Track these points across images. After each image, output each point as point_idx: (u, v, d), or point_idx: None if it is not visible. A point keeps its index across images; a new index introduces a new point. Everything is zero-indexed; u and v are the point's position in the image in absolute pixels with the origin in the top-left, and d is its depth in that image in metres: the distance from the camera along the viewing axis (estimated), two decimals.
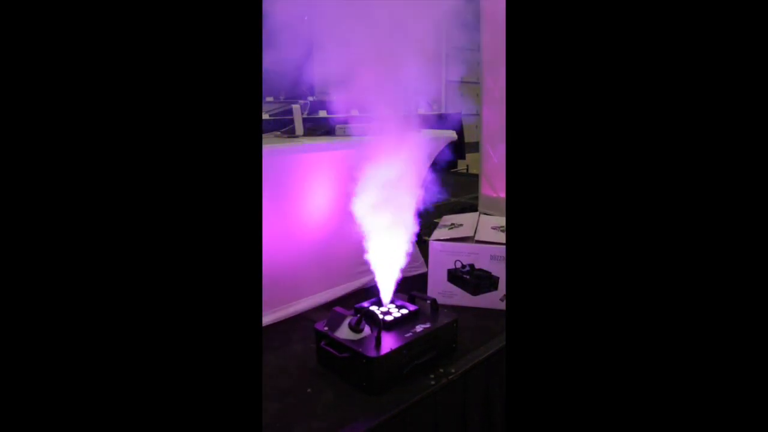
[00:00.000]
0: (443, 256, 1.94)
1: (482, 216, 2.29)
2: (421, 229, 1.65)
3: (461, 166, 5.10)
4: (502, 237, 1.94)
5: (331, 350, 1.41)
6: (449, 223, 2.16)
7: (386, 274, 1.61)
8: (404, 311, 1.55)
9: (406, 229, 1.62)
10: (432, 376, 1.42)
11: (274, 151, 1.67)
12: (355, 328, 1.41)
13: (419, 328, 1.47)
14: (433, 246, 1.95)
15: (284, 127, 1.97)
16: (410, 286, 1.77)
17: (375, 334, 1.39)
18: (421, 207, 1.67)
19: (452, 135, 2.22)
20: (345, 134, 1.87)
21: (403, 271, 1.64)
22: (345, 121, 1.91)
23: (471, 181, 3.75)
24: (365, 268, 1.65)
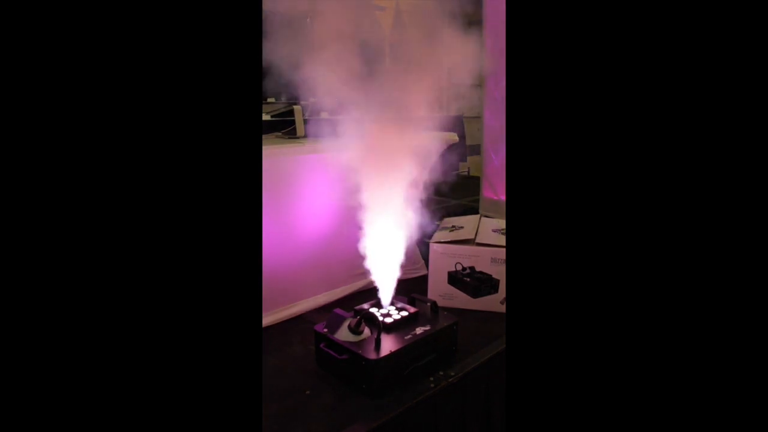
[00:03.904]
0: (444, 258, 1.94)
1: (483, 218, 2.29)
2: (420, 231, 1.65)
3: (462, 168, 5.10)
4: (502, 240, 1.93)
5: (331, 352, 1.41)
6: (450, 225, 2.16)
7: (386, 276, 1.61)
8: (404, 313, 1.54)
9: (406, 230, 1.61)
10: (431, 378, 1.42)
11: (275, 152, 1.67)
12: (355, 330, 1.40)
13: (419, 330, 1.46)
14: (434, 248, 1.95)
15: (285, 128, 1.97)
16: (410, 288, 1.76)
17: (375, 336, 1.39)
18: (421, 209, 1.67)
19: (454, 137, 2.22)
20: (346, 136, 1.87)
21: (403, 273, 1.64)
22: (346, 123, 1.91)
23: (472, 184, 3.75)
24: (365, 270, 1.65)
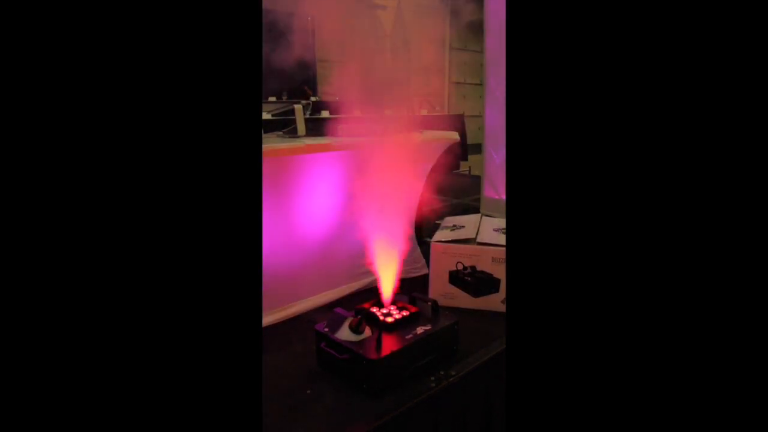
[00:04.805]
0: (445, 257, 1.93)
1: (484, 218, 2.28)
2: (422, 230, 1.65)
3: (463, 167, 5.10)
4: (504, 239, 1.93)
5: (332, 351, 1.40)
6: (451, 225, 2.15)
7: (387, 275, 1.61)
8: (405, 313, 1.54)
9: (407, 229, 1.61)
10: (432, 378, 1.42)
11: (275, 151, 1.67)
12: (356, 329, 1.40)
13: (420, 329, 1.46)
14: (435, 247, 1.95)
15: (286, 126, 1.96)
16: (411, 287, 1.76)
17: (375, 335, 1.39)
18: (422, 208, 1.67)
19: (455, 136, 2.22)
20: (347, 135, 1.87)
21: (403, 272, 1.63)
22: (347, 122, 1.91)
23: (473, 183, 3.75)
24: (366, 269, 1.64)
